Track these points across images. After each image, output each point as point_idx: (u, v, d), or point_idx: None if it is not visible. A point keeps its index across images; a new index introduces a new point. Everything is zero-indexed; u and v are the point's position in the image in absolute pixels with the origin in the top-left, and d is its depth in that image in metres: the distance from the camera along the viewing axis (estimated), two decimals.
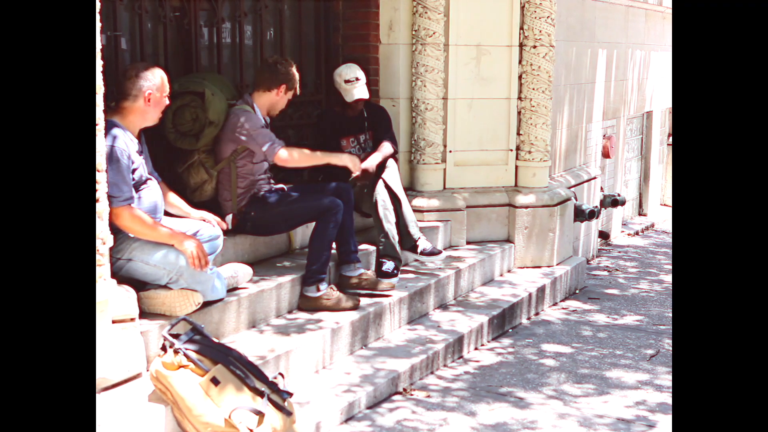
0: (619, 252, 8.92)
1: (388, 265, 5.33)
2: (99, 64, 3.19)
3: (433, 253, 5.64)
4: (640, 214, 11.00)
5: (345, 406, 4.10)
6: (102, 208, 3.30)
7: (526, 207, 6.57)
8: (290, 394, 3.70)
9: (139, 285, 3.93)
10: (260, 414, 3.49)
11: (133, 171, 3.91)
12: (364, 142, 5.83)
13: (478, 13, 6.40)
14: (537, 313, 6.10)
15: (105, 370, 3.37)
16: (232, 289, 4.43)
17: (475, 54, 6.46)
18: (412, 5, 6.28)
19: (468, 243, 6.48)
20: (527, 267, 6.61)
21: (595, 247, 8.48)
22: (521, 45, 6.52)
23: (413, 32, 6.31)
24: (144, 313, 3.88)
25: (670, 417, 4.27)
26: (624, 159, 10.07)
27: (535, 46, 6.47)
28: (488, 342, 5.40)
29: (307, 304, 4.82)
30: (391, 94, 6.42)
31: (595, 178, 8.32)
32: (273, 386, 3.65)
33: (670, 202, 11.71)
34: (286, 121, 5.80)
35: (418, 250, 5.62)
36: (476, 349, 5.26)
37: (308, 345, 4.38)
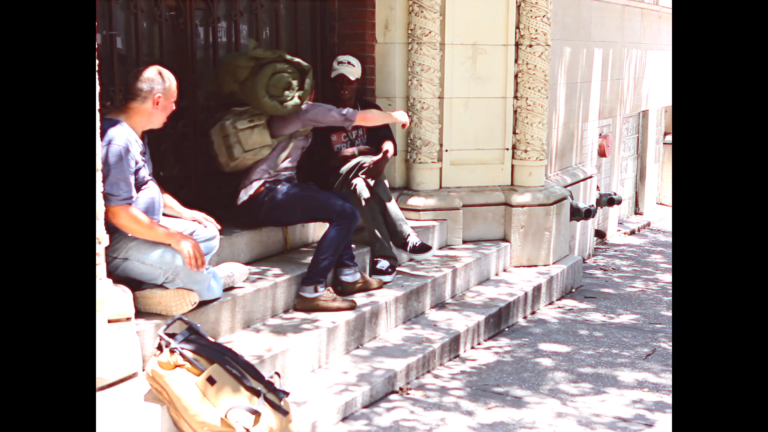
0: (615, 251, 8.93)
1: (383, 264, 5.40)
2: (95, 63, 3.18)
3: (424, 249, 5.66)
4: (636, 213, 11.01)
5: (341, 405, 4.10)
6: (98, 208, 3.30)
7: (522, 206, 6.57)
8: (286, 394, 3.69)
9: (135, 284, 3.93)
10: (256, 413, 3.49)
11: (136, 171, 3.90)
12: (357, 138, 5.83)
13: (474, 12, 6.40)
14: (533, 312, 6.10)
15: (101, 370, 3.36)
16: (228, 289, 4.43)
17: (471, 53, 6.46)
18: (408, 4, 6.28)
19: (464, 242, 6.48)
20: (523, 266, 6.61)
21: (591, 246, 8.48)
22: (517, 44, 6.52)
23: (409, 31, 6.31)
24: (140, 313, 3.87)
25: (667, 415, 4.27)
26: (620, 158, 10.08)
27: (531, 45, 6.47)
28: (485, 341, 5.40)
29: (303, 305, 4.81)
30: (387, 93, 6.42)
31: (591, 177, 8.32)
32: (269, 386, 3.65)
33: (666, 200, 11.73)
34: None
35: (408, 247, 5.64)
36: (473, 348, 5.26)
37: (304, 344, 4.38)
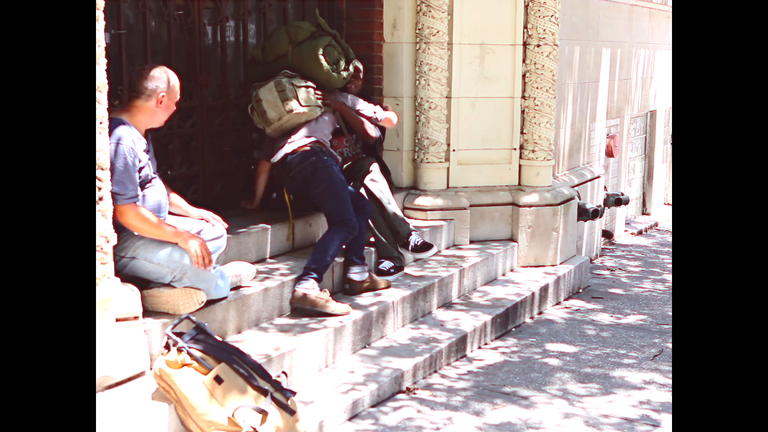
0: (623, 251, 8.91)
1: (385, 264, 5.45)
2: (103, 62, 3.19)
3: (425, 247, 5.67)
4: (643, 213, 10.98)
5: (349, 404, 4.10)
6: (105, 206, 3.30)
7: (530, 206, 6.56)
8: (294, 393, 3.69)
9: (143, 283, 3.93)
10: (263, 413, 3.49)
11: (140, 170, 3.91)
12: (357, 141, 5.84)
13: (482, 11, 6.39)
14: (540, 313, 6.10)
15: (108, 368, 3.37)
16: (235, 288, 4.43)
17: (478, 53, 6.45)
18: (416, 4, 6.28)
19: (471, 242, 6.47)
20: (530, 266, 6.61)
21: (598, 246, 8.47)
22: (525, 44, 6.51)
23: (417, 31, 6.31)
24: (147, 312, 3.87)
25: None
26: (628, 158, 10.06)
27: (538, 45, 6.46)
28: (492, 341, 5.39)
29: (294, 297, 4.70)
30: (395, 92, 6.42)
31: (598, 177, 8.30)
32: (276, 385, 3.65)
33: None
34: None
35: (410, 246, 5.66)
36: (480, 348, 5.26)
37: (311, 344, 4.38)
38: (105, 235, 3.29)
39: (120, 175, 3.76)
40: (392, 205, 5.68)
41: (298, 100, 5.11)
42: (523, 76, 6.55)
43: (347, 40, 6.38)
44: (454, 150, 6.50)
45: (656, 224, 10.63)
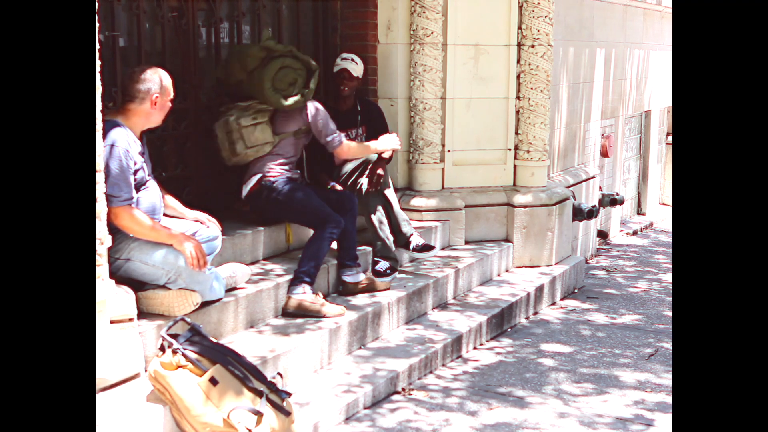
0: (618, 251, 8.92)
1: (382, 265, 5.43)
2: (97, 64, 3.19)
3: (426, 248, 5.68)
4: (638, 213, 11.00)
5: (344, 406, 4.10)
6: (100, 209, 3.30)
7: (525, 206, 6.57)
8: (289, 395, 3.69)
9: (138, 285, 3.93)
10: (259, 414, 3.49)
11: (135, 172, 3.91)
12: (357, 137, 5.84)
13: (476, 12, 6.39)
14: (536, 313, 6.10)
15: (103, 371, 3.37)
16: (230, 290, 4.43)
17: (473, 53, 6.45)
18: (410, 5, 6.28)
19: (466, 242, 6.48)
20: (526, 266, 6.61)
21: (593, 246, 8.48)
22: (519, 44, 6.52)
23: (411, 32, 6.31)
24: (142, 314, 3.87)
25: (668, 416, 4.27)
26: (622, 158, 10.07)
27: (533, 46, 6.46)
28: (487, 341, 5.40)
29: (288, 304, 4.73)
30: (390, 93, 6.42)
31: (593, 177, 8.32)
32: (272, 386, 3.65)
33: (668, 201, 11.71)
34: None
35: (411, 247, 5.66)
36: (475, 348, 5.26)
37: (307, 345, 4.38)
38: (99, 237, 3.30)
39: (115, 178, 3.76)
40: (396, 204, 5.71)
41: (243, 141, 5.03)
42: (518, 76, 6.56)
43: (342, 41, 6.40)
44: (448, 151, 6.50)
45: (651, 224, 10.65)
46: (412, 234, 5.69)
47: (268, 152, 5.13)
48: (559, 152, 7.56)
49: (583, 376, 4.85)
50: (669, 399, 4.51)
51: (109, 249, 3.52)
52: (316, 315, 4.68)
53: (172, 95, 4.10)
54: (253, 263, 4.98)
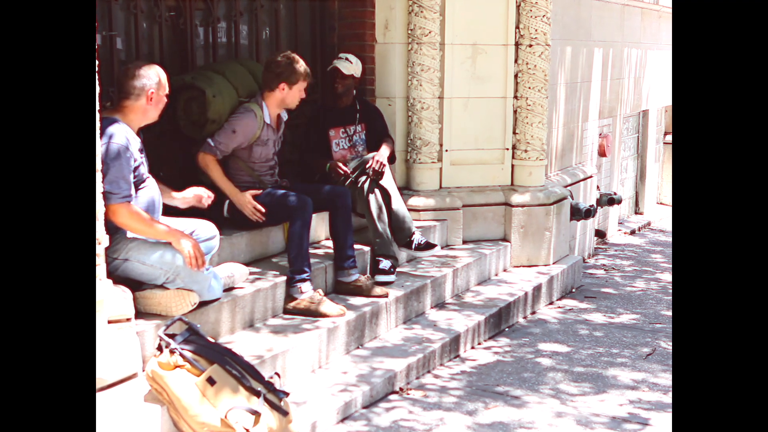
0: (616, 251, 8.93)
1: (385, 264, 5.38)
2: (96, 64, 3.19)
3: (428, 246, 5.67)
4: (636, 213, 11.01)
5: (341, 405, 4.10)
6: (98, 209, 3.30)
7: (522, 206, 6.57)
8: (286, 394, 3.69)
9: (135, 285, 3.93)
10: (256, 414, 3.49)
11: (135, 169, 3.91)
12: (355, 134, 5.84)
13: (474, 12, 6.40)
14: (533, 312, 6.11)
15: (101, 371, 3.37)
16: (228, 289, 4.43)
17: (471, 53, 6.46)
18: (408, 4, 6.28)
19: (464, 242, 6.48)
20: (523, 266, 6.61)
21: (591, 245, 8.48)
22: (517, 44, 6.52)
23: (409, 31, 6.31)
24: (140, 313, 3.87)
25: (665, 415, 4.28)
26: (620, 157, 10.08)
27: (531, 45, 6.47)
28: (485, 341, 5.40)
29: (288, 304, 4.75)
30: (387, 93, 6.42)
31: (591, 176, 8.32)
32: (269, 386, 3.65)
33: (666, 200, 11.73)
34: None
35: (413, 245, 5.65)
36: (473, 348, 5.26)
37: (304, 345, 4.38)
38: (97, 237, 3.29)
39: (114, 174, 3.76)
40: (399, 202, 5.68)
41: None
42: (515, 76, 6.56)
43: (339, 40, 6.40)
44: (446, 150, 6.50)
45: (649, 223, 10.66)
46: (414, 232, 5.68)
47: (229, 168, 5.05)
48: (556, 152, 7.57)
49: (581, 376, 4.85)
50: (666, 398, 4.51)
51: (107, 249, 3.52)
52: (316, 314, 4.68)
53: (167, 90, 4.10)
54: (250, 263, 4.98)
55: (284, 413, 3.60)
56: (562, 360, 5.11)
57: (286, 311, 4.75)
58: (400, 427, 4.08)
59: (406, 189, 6.48)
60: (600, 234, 9.06)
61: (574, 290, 6.84)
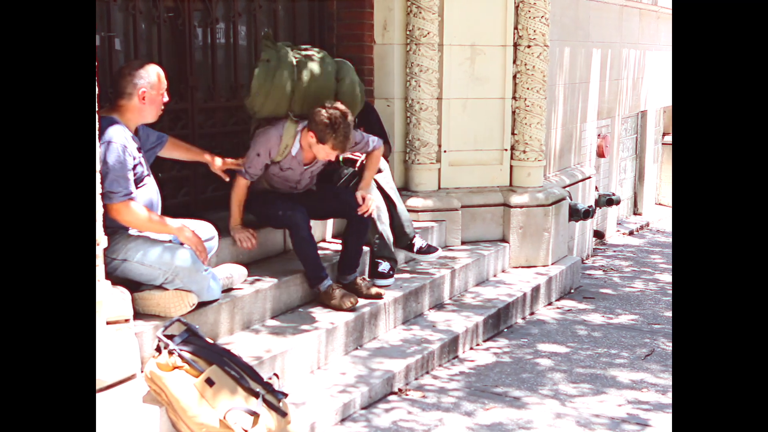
0: (614, 251, 8.93)
1: (384, 266, 5.37)
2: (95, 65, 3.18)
3: (429, 250, 5.67)
4: (635, 214, 11.02)
5: (340, 406, 4.10)
6: (96, 209, 3.29)
7: (521, 207, 6.57)
8: (285, 395, 3.69)
9: (134, 286, 3.93)
10: (255, 415, 3.49)
11: (134, 167, 3.92)
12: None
13: (473, 13, 6.40)
14: (532, 313, 6.11)
15: (99, 372, 3.36)
16: (227, 290, 4.43)
17: (469, 54, 6.46)
18: (407, 5, 6.28)
19: (463, 243, 6.48)
20: (522, 267, 6.62)
21: (590, 246, 8.49)
22: (515, 45, 6.52)
23: (407, 32, 6.31)
24: (138, 314, 3.87)
25: (664, 416, 4.28)
26: (619, 158, 10.08)
27: (529, 46, 6.47)
28: (483, 342, 5.40)
29: (317, 298, 4.94)
30: (386, 94, 6.42)
31: (589, 177, 8.33)
32: (268, 387, 3.65)
33: (664, 201, 11.73)
34: None
35: (414, 249, 5.65)
36: (471, 348, 5.26)
37: (303, 345, 4.38)
38: (96, 239, 3.29)
39: (114, 174, 3.77)
40: (400, 204, 5.68)
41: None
42: (514, 77, 6.56)
43: (338, 41, 6.40)
44: (445, 151, 6.50)
45: (647, 224, 10.67)
46: (415, 236, 5.68)
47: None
48: (555, 152, 7.57)
49: (580, 377, 4.85)
50: (665, 399, 4.51)
51: (106, 250, 3.51)
52: (335, 308, 4.82)
53: (164, 89, 4.10)
54: (249, 264, 4.97)
55: (283, 414, 3.60)
56: (561, 361, 5.11)
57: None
58: (399, 428, 4.08)
59: (405, 190, 6.48)
60: (598, 235, 9.06)
61: (572, 291, 6.84)
